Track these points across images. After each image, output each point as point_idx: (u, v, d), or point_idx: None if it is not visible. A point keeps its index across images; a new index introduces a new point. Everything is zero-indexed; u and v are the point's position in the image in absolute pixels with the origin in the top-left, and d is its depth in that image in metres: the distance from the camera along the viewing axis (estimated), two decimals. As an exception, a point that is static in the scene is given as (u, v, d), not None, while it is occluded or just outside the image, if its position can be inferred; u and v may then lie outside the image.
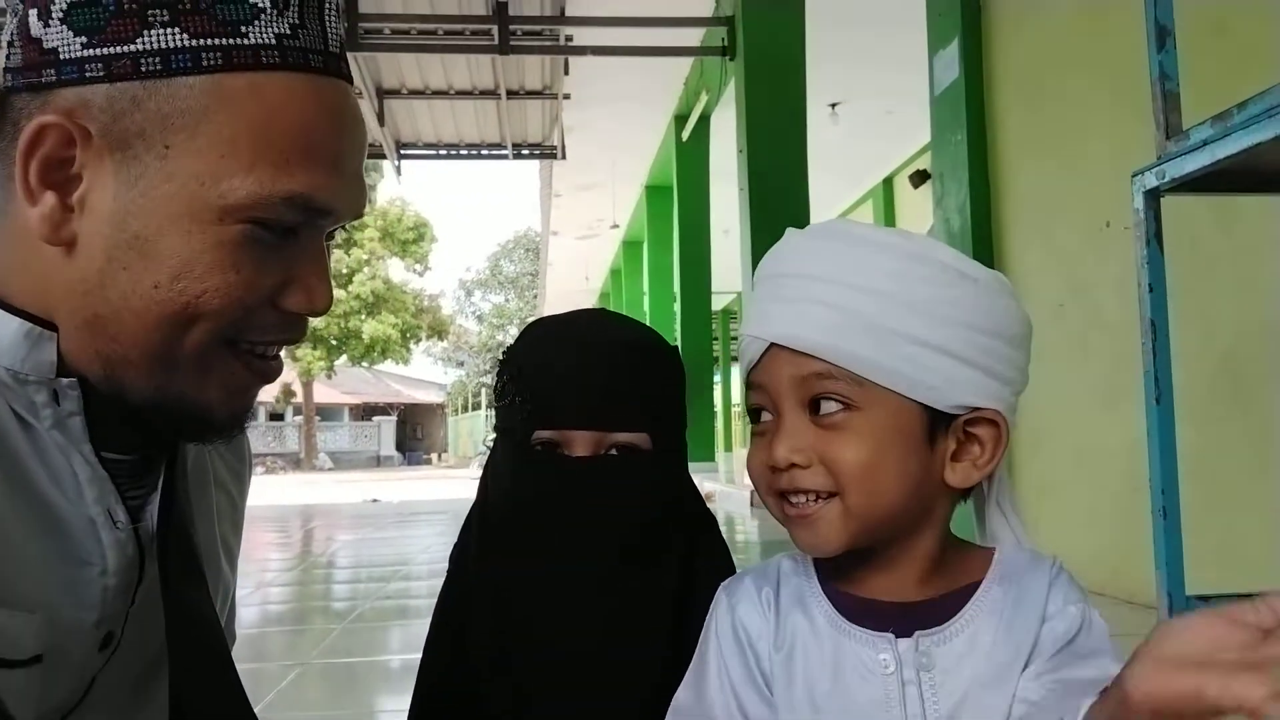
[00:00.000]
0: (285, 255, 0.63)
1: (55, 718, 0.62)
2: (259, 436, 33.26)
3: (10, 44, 0.61)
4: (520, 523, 0.74)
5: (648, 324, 0.83)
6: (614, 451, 0.74)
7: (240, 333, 0.63)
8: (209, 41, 0.59)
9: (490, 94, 8.49)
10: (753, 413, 0.69)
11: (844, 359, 0.63)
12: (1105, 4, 2.81)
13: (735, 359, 20.67)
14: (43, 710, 0.59)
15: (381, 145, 9.27)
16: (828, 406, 0.64)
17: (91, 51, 0.58)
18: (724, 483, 7.85)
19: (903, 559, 0.67)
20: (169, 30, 0.59)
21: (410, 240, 28.27)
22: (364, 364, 29.56)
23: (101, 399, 0.62)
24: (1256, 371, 2.45)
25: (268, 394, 31.74)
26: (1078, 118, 3.00)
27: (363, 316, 26.85)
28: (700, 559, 0.79)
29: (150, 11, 0.58)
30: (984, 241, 3.46)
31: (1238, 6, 2.38)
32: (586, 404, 0.73)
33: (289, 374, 29.13)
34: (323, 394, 32.72)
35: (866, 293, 0.63)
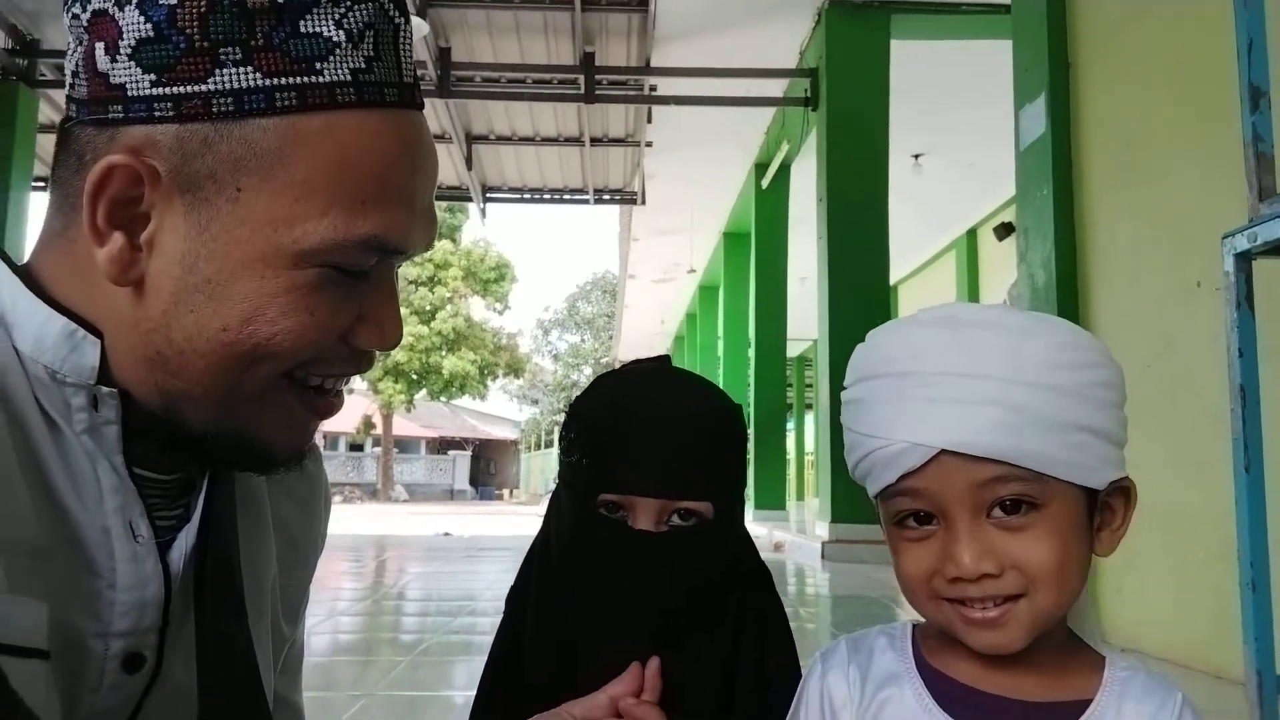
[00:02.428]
0: (357, 293, 0.62)
1: None
2: (339, 466, 34.09)
3: (75, 74, 0.59)
4: (579, 582, 0.76)
5: (713, 379, 0.83)
6: (677, 517, 0.75)
7: (306, 370, 0.62)
8: (283, 81, 0.57)
9: (574, 140, 8.70)
10: (903, 516, 0.65)
11: (1024, 458, 0.60)
12: (1197, 60, 2.75)
13: (809, 406, 20.45)
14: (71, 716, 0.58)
15: (468, 188, 9.55)
16: (1012, 507, 0.61)
17: (161, 90, 0.56)
18: (795, 532, 7.74)
19: (1024, 650, 0.63)
20: (242, 69, 0.56)
21: (492, 280, 28.87)
22: (442, 399, 30.13)
23: (143, 415, 0.61)
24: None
25: (348, 425, 32.53)
26: (1167, 174, 2.94)
27: (443, 352, 27.41)
28: (751, 620, 0.79)
29: (222, 50, 0.56)
30: (1069, 297, 3.39)
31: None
32: (652, 473, 0.74)
33: (370, 406, 29.86)
34: (401, 427, 33.41)
35: (1032, 386, 0.61)
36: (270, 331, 0.59)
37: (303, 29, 0.57)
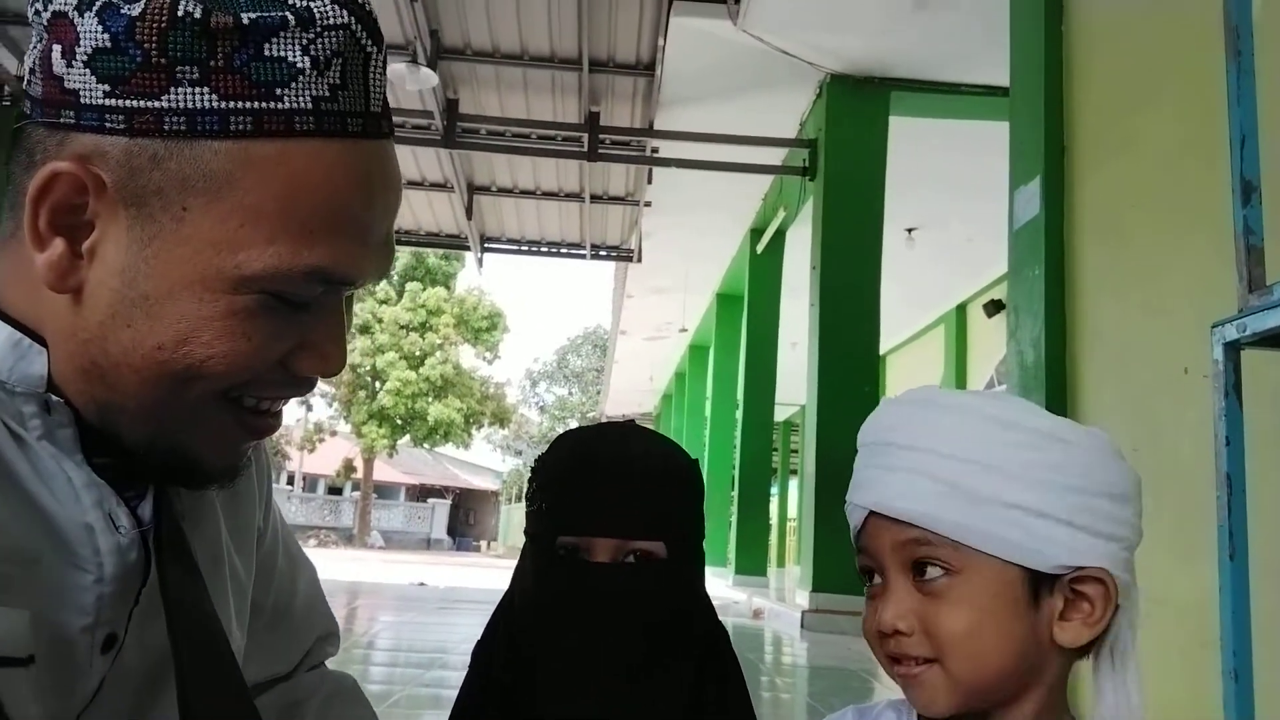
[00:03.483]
0: (300, 320, 0.61)
1: None
2: (315, 509, 33.66)
3: (32, 71, 0.58)
4: (540, 622, 0.78)
5: (699, 439, 0.86)
6: (632, 558, 0.78)
7: (242, 391, 0.62)
8: (240, 104, 0.56)
9: (575, 196, 8.81)
10: (863, 573, 0.71)
11: (941, 526, 0.64)
12: (1190, 151, 2.82)
13: (794, 471, 20.44)
14: (51, 714, 0.57)
15: (466, 237, 9.62)
16: (930, 572, 0.65)
17: (114, 101, 0.55)
18: (774, 600, 7.66)
19: None
20: (198, 90, 0.55)
21: (483, 329, 28.93)
22: (425, 445, 29.93)
23: (87, 423, 0.60)
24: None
25: (328, 468, 32.20)
26: (1157, 260, 2.99)
27: (429, 399, 27.32)
28: (710, 677, 0.81)
29: (180, 68, 0.55)
30: (1057, 378, 3.41)
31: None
32: (606, 513, 0.78)
33: (351, 449, 29.63)
34: (382, 472, 33.11)
35: (960, 460, 0.65)
36: (205, 354, 0.58)
37: (267, 53, 0.56)
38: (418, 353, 27.30)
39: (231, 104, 0.56)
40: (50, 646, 0.57)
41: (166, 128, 0.55)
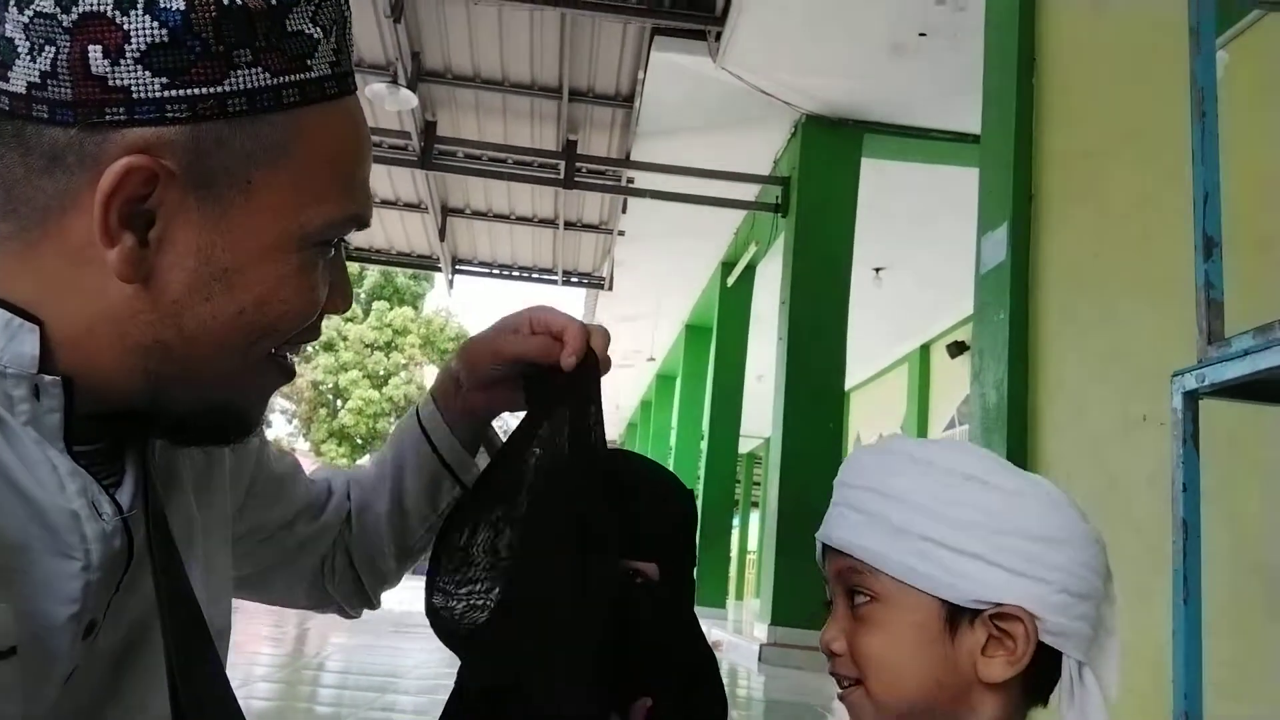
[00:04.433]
0: (328, 265, 0.67)
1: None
2: (270, 526, 33.00)
3: (48, 75, 0.57)
4: None
5: (668, 461, 0.89)
6: (628, 578, 0.80)
7: (289, 343, 0.66)
8: (287, 78, 0.61)
9: (549, 223, 8.83)
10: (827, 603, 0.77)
11: (863, 554, 0.70)
12: (1153, 204, 2.90)
13: (755, 504, 20.37)
14: (30, 700, 0.57)
15: (438, 258, 9.59)
16: (858, 598, 0.71)
17: (174, 92, 0.57)
18: (731, 632, 7.63)
19: None
20: (253, 70, 0.59)
21: (450, 351, 28.77)
22: (385, 466, 29.54)
23: (90, 400, 0.61)
24: (1291, 585, 2.39)
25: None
26: (1119, 309, 3.06)
27: (392, 419, 27.03)
28: (696, 700, 0.82)
29: (235, 52, 0.58)
30: (1019, 420, 3.47)
31: (1282, 224, 2.45)
32: None
33: (310, 467, 29.11)
34: (340, 491, 32.62)
35: (886, 497, 0.71)
36: (282, 310, 0.63)
37: (289, 28, 0.60)
38: (382, 372, 27.05)
39: (280, 79, 0.60)
40: (34, 637, 0.56)
41: (230, 110, 0.59)
